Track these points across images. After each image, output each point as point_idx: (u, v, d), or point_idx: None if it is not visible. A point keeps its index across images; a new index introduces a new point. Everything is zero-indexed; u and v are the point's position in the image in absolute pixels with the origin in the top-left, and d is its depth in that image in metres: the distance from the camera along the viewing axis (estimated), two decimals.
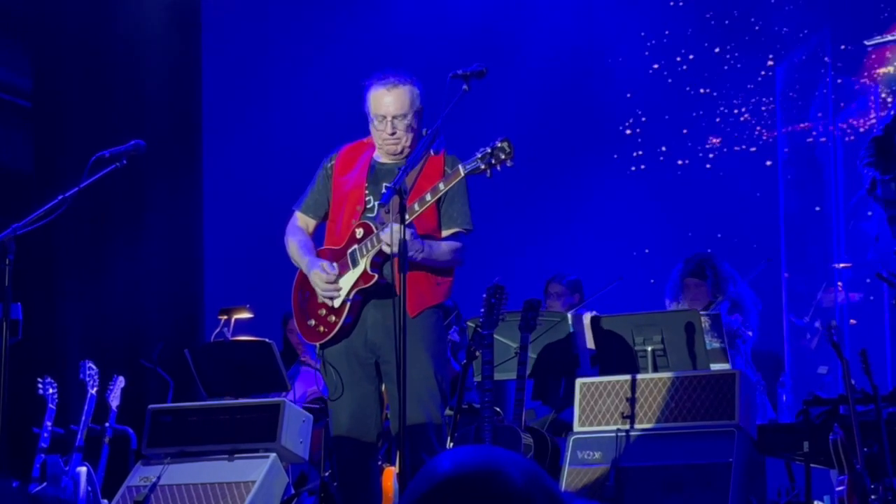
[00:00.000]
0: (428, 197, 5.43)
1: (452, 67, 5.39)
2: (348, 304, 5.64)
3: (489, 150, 5.27)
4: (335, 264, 5.67)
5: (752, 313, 8.34)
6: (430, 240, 5.59)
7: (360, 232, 5.65)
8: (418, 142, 5.66)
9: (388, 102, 5.68)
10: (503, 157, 5.24)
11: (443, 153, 5.63)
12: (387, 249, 5.45)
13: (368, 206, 5.71)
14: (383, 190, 5.60)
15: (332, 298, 5.66)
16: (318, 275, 5.66)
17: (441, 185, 5.45)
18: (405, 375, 5.00)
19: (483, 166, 5.29)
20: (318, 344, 5.78)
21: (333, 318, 5.70)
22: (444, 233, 5.69)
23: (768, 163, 11.94)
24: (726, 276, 8.40)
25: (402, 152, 5.71)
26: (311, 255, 5.77)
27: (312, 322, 5.77)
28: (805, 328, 11.02)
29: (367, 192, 5.73)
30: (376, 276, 5.58)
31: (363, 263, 5.60)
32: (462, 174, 5.38)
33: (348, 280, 5.65)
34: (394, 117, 5.67)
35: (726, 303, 8.30)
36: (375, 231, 5.57)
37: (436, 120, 5.38)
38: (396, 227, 5.14)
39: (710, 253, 8.67)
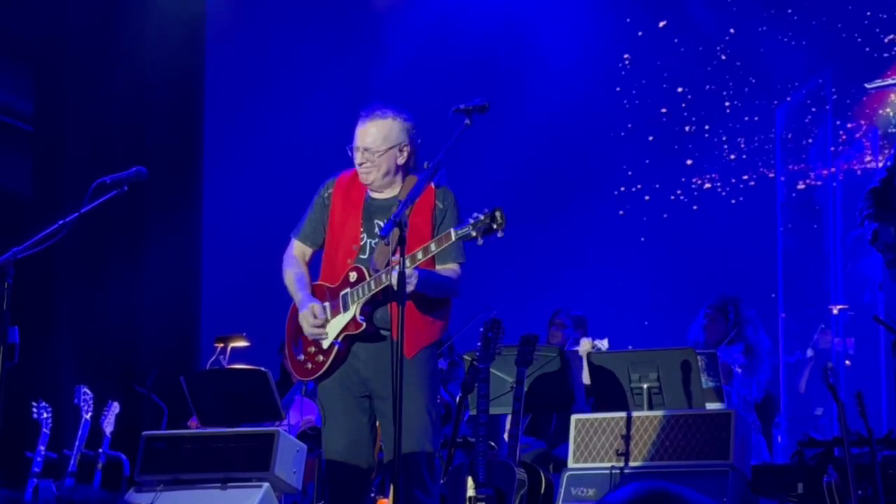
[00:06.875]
0: (420, 255, 5.45)
1: (455, 101, 5.40)
2: (336, 348, 5.68)
3: (481, 218, 5.28)
4: (327, 305, 5.71)
5: (764, 363, 8.35)
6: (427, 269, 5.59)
7: (353, 276, 5.68)
8: (396, 175, 5.71)
9: (360, 133, 5.72)
10: (495, 227, 5.25)
11: (434, 186, 5.63)
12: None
13: (363, 244, 5.73)
14: (376, 227, 5.66)
15: (319, 339, 5.70)
16: (307, 317, 5.70)
17: (433, 246, 5.46)
18: (401, 413, 5.00)
19: (474, 233, 5.30)
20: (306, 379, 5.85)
21: (321, 357, 5.75)
22: (439, 268, 5.69)
23: (767, 203, 11.95)
24: (747, 319, 8.42)
25: (371, 183, 5.73)
26: (306, 291, 5.80)
27: (302, 357, 5.82)
28: (797, 364, 11.00)
29: (361, 229, 5.75)
30: (364, 324, 5.63)
31: (353, 310, 5.64)
32: (453, 239, 5.40)
33: (338, 323, 5.70)
34: (365, 149, 5.69)
35: (740, 345, 8.32)
36: (368, 278, 5.60)
37: (437, 153, 5.38)
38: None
39: (738, 296, 8.66)
